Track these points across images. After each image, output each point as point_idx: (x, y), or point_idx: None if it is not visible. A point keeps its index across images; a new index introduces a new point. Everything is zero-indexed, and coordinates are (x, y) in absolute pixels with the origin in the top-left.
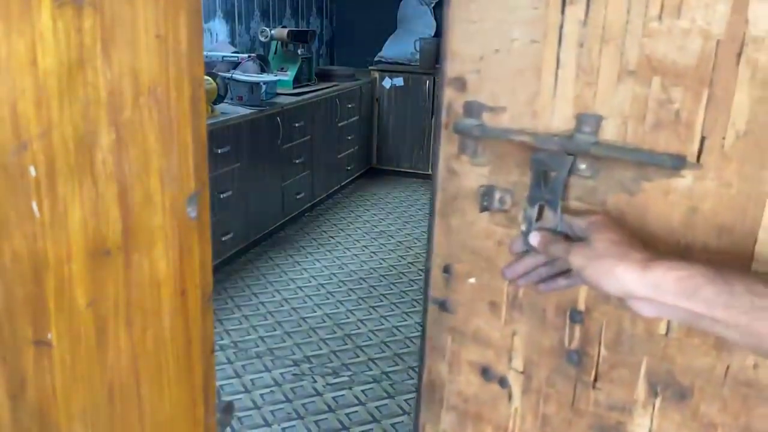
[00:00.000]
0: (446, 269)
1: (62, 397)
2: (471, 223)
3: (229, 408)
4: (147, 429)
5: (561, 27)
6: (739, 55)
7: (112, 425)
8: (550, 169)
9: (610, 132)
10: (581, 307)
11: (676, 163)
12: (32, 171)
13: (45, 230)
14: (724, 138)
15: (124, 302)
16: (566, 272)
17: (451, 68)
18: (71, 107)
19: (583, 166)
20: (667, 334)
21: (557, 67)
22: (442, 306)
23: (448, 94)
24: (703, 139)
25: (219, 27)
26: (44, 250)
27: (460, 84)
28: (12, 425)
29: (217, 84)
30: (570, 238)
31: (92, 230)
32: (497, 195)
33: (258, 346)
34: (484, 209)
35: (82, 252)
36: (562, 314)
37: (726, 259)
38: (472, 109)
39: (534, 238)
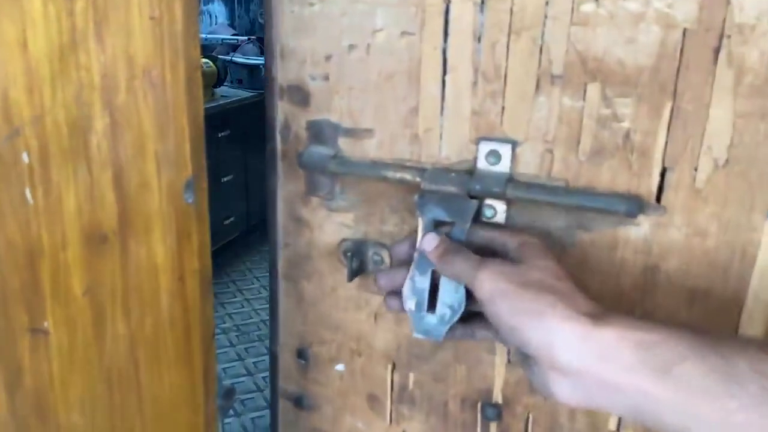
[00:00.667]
0: (301, 354)
1: (60, 385)
2: (333, 289)
3: (230, 393)
4: (147, 416)
5: (447, 12)
6: (717, 50)
7: (111, 412)
8: (445, 217)
9: (528, 163)
10: (497, 398)
11: (627, 207)
12: (25, 157)
13: (39, 217)
14: (696, 169)
15: (121, 289)
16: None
17: (284, 72)
18: (64, 91)
19: (491, 212)
20: None
21: (444, 71)
22: (298, 402)
23: (284, 110)
24: (664, 172)
25: (218, 9)
26: (39, 237)
27: (300, 96)
28: (9, 414)
29: (216, 67)
30: (483, 253)
31: (87, 216)
32: (369, 252)
33: (260, 329)
34: (353, 274)
35: (78, 238)
36: (470, 409)
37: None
38: (321, 131)
39: (429, 242)
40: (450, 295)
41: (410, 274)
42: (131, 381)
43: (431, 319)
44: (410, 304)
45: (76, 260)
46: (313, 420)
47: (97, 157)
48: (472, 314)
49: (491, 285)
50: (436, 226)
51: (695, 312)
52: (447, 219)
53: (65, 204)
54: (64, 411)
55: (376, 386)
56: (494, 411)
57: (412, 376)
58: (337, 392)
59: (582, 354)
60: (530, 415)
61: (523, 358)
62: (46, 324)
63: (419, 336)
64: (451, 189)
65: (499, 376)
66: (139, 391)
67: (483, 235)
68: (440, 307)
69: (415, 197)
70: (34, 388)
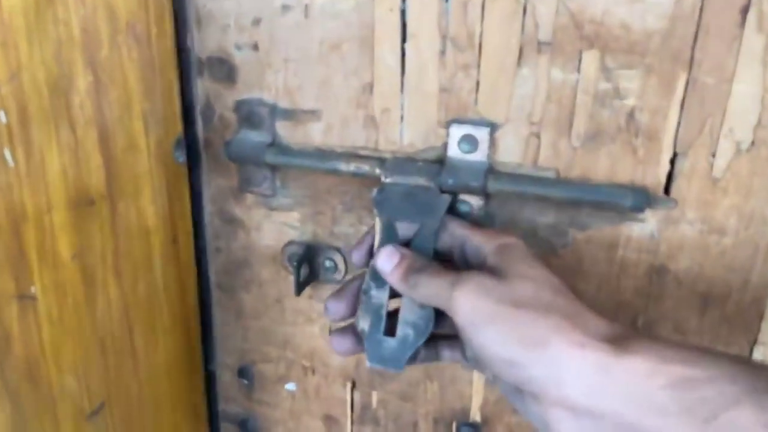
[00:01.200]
0: (243, 372)
1: (51, 351)
2: (278, 301)
3: None
4: (143, 379)
5: None
6: (745, 10)
7: (107, 377)
8: (410, 217)
9: (510, 150)
10: (475, 417)
11: (630, 200)
12: (2, 117)
13: (21, 180)
14: (713, 155)
15: (111, 252)
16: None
17: (202, 41)
18: (42, 48)
19: (466, 209)
20: None
21: (403, 38)
22: (243, 426)
23: (204, 89)
24: (675, 158)
25: None
26: (21, 200)
27: (224, 70)
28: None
29: None
30: (454, 265)
31: (73, 178)
32: (320, 258)
33: None
34: (302, 285)
35: (63, 201)
36: (444, 429)
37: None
38: (252, 114)
39: (385, 259)
40: (413, 312)
41: (364, 286)
42: (126, 345)
43: (390, 343)
44: (363, 323)
45: (62, 224)
46: None
47: (81, 117)
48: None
49: (473, 307)
50: (396, 229)
51: (708, 320)
52: (412, 219)
53: (48, 166)
54: (57, 377)
55: (333, 406)
56: (472, 431)
57: (375, 395)
58: (288, 413)
59: (600, 391)
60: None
61: (511, 390)
62: (33, 290)
63: (375, 366)
64: (418, 182)
65: (477, 394)
66: (134, 355)
67: (449, 237)
68: (401, 327)
69: (373, 192)
70: (25, 355)
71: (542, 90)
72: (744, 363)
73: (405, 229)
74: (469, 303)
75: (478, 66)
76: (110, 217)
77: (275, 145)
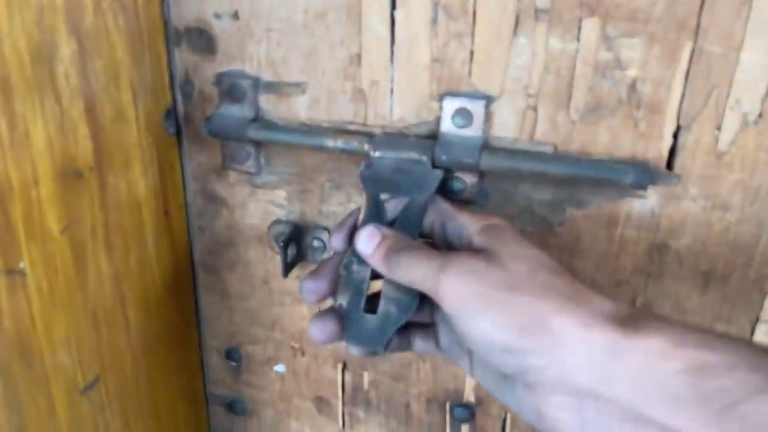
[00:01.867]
0: (230, 354)
1: (42, 325)
2: (265, 282)
3: None
4: (137, 352)
5: None
6: None
7: (100, 351)
8: (399, 193)
9: (506, 124)
10: (469, 397)
11: (631, 176)
12: None
13: (5, 152)
14: (718, 128)
15: (102, 226)
16: (422, 321)
17: (179, 9)
18: (22, 15)
19: (460, 186)
20: None
21: (393, 5)
22: (232, 408)
23: (182, 60)
24: (678, 131)
25: None
26: (6, 173)
27: (203, 41)
28: None
29: None
30: (435, 246)
31: (59, 151)
32: (308, 238)
33: None
34: (289, 266)
35: (50, 174)
36: (438, 409)
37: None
38: (234, 87)
39: (366, 239)
40: (397, 287)
41: (345, 261)
42: (119, 319)
43: (371, 320)
44: (342, 299)
45: (50, 197)
46: (250, 426)
47: (66, 87)
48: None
49: (463, 292)
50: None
51: (709, 299)
52: (401, 195)
53: (33, 138)
54: (50, 351)
55: (324, 388)
56: (466, 411)
57: (366, 376)
58: (277, 395)
59: (609, 375)
60: (508, 415)
61: (497, 381)
62: (22, 264)
63: (353, 346)
64: (409, 156)
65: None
66: (127, 329)
67: (431, 215)
68: (384, 303)
69: (360, 167)
70: (16, 331)
71: (540, 60)
72: (765, 351)
73: (393, 207)
74: (458, 288)
75: (472, 35)
76: (99, 190)
77: (258, 120)
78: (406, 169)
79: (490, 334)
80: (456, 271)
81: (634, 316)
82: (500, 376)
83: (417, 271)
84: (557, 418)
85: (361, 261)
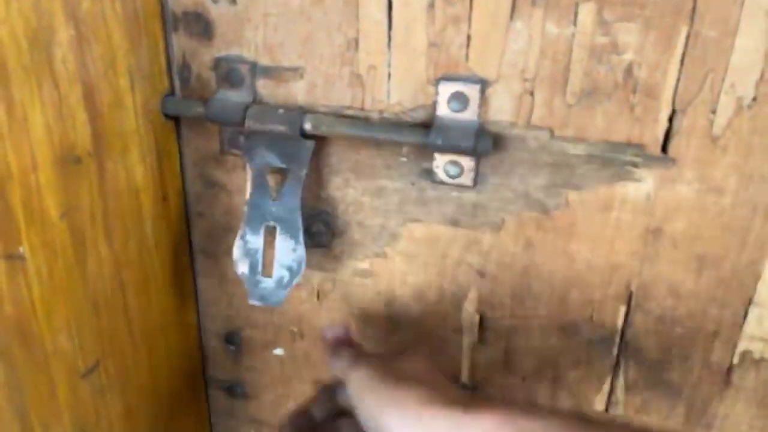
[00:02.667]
0: (230, 338)
1: (42, 311)
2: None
3: None
4: (137, 337)
5: None
6: None
7: (100, 335)
8: (277, 162)
9: (502, 108)
10: (465, 380)
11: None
12: None
13: (3, 138)
14: (713, 112)
15: (101, 211)
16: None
17: None
18: (19, 0)
19: (455, 170)
20: None
21: None
22: (231, 392)
23: (180, 45)
24: (673, 115)
25: None
26: (5, 159)
27: (201, 25)
28: None
29: None
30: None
31: (58, 136)
32: (307, 222)
33: None
34: None
35: (49, 160)
36: None
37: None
38: (232, 72)
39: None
40: (287, 255)
41: (240, 232)
42: (119, 304)
43: (268, 283)
44: (242, 267)
45: (49, 183)
46: (250, 409)
47: (64, 72)
48: (340, 412)
49: (361, 381)
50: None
51: (703, 282)
52: (280, 164)
53: (32, 124)
54: (50, 337)
55: (323, 371)
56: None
57: None
58: (277, 379)
59: None
60: (505, 398)
61: None
62: (21, 249)
63: (255, 303)
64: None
65: (466, 358)
66: (127, 314)
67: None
68: (277, 269)
69: (240, 138)
70: (16, 316)
71: (536, 45)
72: (580, 419)
73: (275, 177)
74: (359, 379)
75: (469, 19)
76: (98, 176)
77: (256, 104)
78: (280, 142)
79: (368, 409)
80: (362, 366)
81: (478, 401)
82: None
83: (340, 364)
84: None
85: (254, 232)
